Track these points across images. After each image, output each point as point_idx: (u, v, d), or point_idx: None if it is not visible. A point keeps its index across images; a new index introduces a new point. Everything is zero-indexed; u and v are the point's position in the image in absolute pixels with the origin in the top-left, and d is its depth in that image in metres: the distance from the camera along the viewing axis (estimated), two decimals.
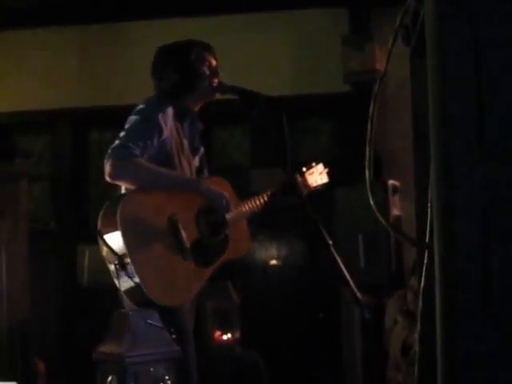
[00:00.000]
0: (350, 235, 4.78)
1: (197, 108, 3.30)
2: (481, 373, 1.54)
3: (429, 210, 1.88)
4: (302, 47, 5.96)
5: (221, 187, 3.22)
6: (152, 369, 2.71)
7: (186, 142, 3.24)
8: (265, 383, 4.84)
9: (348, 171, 4.76)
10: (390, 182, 4.85)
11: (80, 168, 6.28)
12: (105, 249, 2.91)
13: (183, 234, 3.01)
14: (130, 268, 2.86)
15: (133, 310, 2.84)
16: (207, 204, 3.14)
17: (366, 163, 1.94)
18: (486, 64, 1.55)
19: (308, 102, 5.94)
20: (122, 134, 3.04)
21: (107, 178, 3.01)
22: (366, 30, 5.61)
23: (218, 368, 4.67)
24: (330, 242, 2.87)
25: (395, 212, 4.81)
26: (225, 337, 4.92)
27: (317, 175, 3.48)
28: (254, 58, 5.88)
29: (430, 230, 1.89)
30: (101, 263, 3.01)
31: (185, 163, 3.19)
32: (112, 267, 2.91)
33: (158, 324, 2.77)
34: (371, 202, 2.00)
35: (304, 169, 3.46)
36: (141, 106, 3.13)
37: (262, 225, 3.80)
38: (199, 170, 3.35)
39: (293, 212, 3.34)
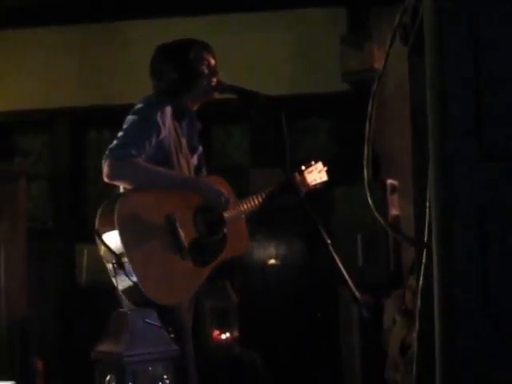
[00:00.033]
0: (348, 234, 4.78)
1: (195, 107, 3.30)
2: (479, 372, 1.54)
3: (427, 209, 1.88)
4: (300, 46, 5.97)
5: (219, 185, 3.22)
6: (150, 368, 2.71)
7: (184, 141, 3.24)
8: (263, 382, 4.84)
9: (347, 170, 4.76)
10: (389, 181, 4.85)
11: (78, 167, 6.28)
12: (102, 248, 2.91)
13: (181, 232, 3.01)
14: (128, 267, 2.86)
15: (131, 310, 2.84)
16: (205, 202, 3.14)
17: (365, 162, 1.93)
18: (486, 63, 1.55)
19: (307, 101, 5.94)
20: (120, 134, 3.04)
21: (105, 179, 3.00)
22: (364, 29, 5.61)
23: (216, 367, 4.67)
24: (329, 241, 2.87)
25: (394, 211, 4.82)
26: (223, 336, 4.92)
27: (316, 173, 3.48)
28: (252, 58, 5.88)
29: (428, 230, 1.89)
30: (99, 262, 3.01)
31: (183, 162, 3.19)
32: (110, 266, 2.90)
33: (156, 323, 2.76)
34: (370, 202, 2.00)
35: (303, 167, 3.46)
36: (139, 105, 3.12)
37: (261, 224, 3.80)
38: (198, 169, 3.35)
39: (291, 211, 3.35)
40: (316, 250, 5.57)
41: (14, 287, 5.01)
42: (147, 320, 2.75)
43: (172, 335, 2.82)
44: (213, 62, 3.25)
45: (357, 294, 2.78)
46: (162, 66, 3.24)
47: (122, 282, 2.90)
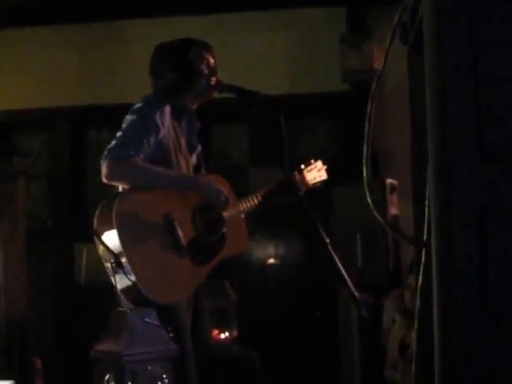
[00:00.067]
0: (347, 234, 4.77)
1: (194, 106, 3.30)
2: (479, 372, 1.54)
3: (426, 208, 1.88)
4: (300, 46, 5.96)
5: (218, 184, 3.21)
6: (150, 367, 2.71)
7: (183, 141, 3.23)
8: (262, 382, 4.84)
9: (346, 170, 4.75)
10: (388, 180, 4.85)
11: (78, 167, 6.27)
12: (101, 247, 2.91)
13: (179, 232, 3.01)
14: (126, 266, 2.86)
15: (130, 309, 2.84)
16: (204, 201, 3.14)
17: (364, 162, 1.94)
18: (485, 63, 1.55)
19: (306, 100, 5.93)
20: (119, 134, 3.04)
21: (104, 179, 3.00)
22: (364, 28, 5.61)
23: (215, 367, 4.67)
24: (328, 241, 2.88)
25: (393, 211, 4.81)
26: (222, 335, 4.92)
27: (315, 172, 3.48)
28: (252, 57, 5.87)
29: (427, 229, 1.89)
30: (98, 262, 3.01)
31: (182, 161, 3.19)
32: (108, 266, 2.90)
33: (155, 322, 2.76)
34: (369, 201, 2.00)
35: (302, 166, 3.46)
36: (138, 105, 3.12)
37: (260, 223, 3.80)
38: (197, 168, 3.35)
39: (291, 210, 3.34)
40: (315, 249, 5.57)
41: (13, 286, 5.01)
42: (146, 319, 2.75)
43: (171, 334, 2.82)
44: (212, 61, 3.25)
45: (356, 293, 2.78)
46: (162, 66, 3.23)
47: (121, 282, 2.90)
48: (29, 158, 6.24)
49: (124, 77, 5.92)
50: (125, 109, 3.16)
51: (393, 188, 4.89)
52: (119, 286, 2.91)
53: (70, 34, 6.11)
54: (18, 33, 6.08)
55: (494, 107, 1.55)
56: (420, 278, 1.98)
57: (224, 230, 3.18)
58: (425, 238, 1.92)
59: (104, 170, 2.98)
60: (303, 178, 3.44)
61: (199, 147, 3.36)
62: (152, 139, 3.04)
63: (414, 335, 2.11)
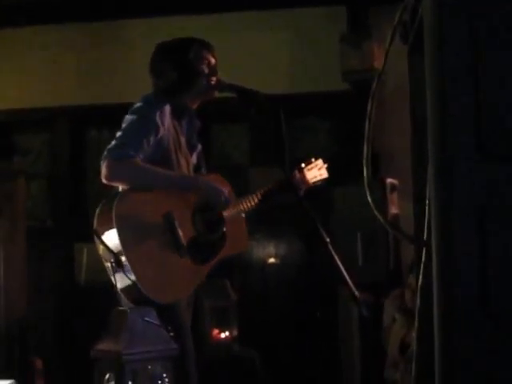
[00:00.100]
0: (348, 233, 4.77)
1: (195, 106, 3.30)
2: (479, 371, 1.54)
3: (427, 207, 1.88)
4: (300, 45, 5.96)
5: (218, 183, 3.21)
6: (150, 367, 2.71)
7: (183, 140, 3.23)
8: (262, 381, 4.84)
9: (346, 169, 4.75)
10: (388, 180, 4.84)
11: (78, 166, 6.27)
12: (101, 247, 2.91)
13: (179, 231, 3.01)
14: (126, 266, 2.86)
15: (130, 308, 2.84)
16: (204, 201, 3.14)
17: (364, 161, 1.94)
18: (485, 63, 1.55)
19: (306, 100, 5.93)
20: (119, 134, 3.04)
21: (103, 180, 3.00)
22: (364, 28, 5.61)
23: (215, 366, 4.67)
24: (328, 240, 2.87)
25: (393, 210, 4.81)
26: (222, 335, 4.92)
27: (316, 171, 3.48)
28: (252, 57, 5.87)
29: (428, 228, 1.89)
30: (98, 261, 3.01)
31: (182, 161, 3.19)
32: (108, 265, 2.90)
33: (155, 322, 2.76)
34: (369, 200, 2.00)
35: (303, 165, 3.46)
36: (138, 104, 3.12)
37: (260, 223, 3.80)
38: (197, 168, 3.35)
39: (291, 210, 3.34)
40: (315, 249, 5.57)
41: (14, 286, 5.01)
42: (146, 318, 2.75)
43: (171, 334, 2.82)
44: (213, 61, 3.24)
45: (356, 292, 2.78)
46: (162, 65, 3.23)
47: (121, 281, 2.90)
48: (29, 157, 6.24)
49: (124, 76, 5.92)
50: (125, 108, 3.15)
51: (393, 187, 4.89)
52: (119, 286, 2.91)
53: (70, 34, 6.11)
54: (18, 32, 6.08)
55: (494, 107, 1.55)
56: (420, 277, 1.98)
57: (224, 229, 3.18)
58: (425, 237, 1.92)
59: (104, 170, 2.98)
60: (304, 176, 3.43)
61: (199, 146, 3.36)
62: (152, 139, 3.04)
63: (414, 335, 2.11)
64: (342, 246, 4.39)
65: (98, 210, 3.00)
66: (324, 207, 4.43)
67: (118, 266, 2.85)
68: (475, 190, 1.54)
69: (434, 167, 1.60)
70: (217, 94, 3.29)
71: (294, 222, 5.41)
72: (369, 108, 1.94)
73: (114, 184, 3.06)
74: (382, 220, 1.99)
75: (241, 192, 3.35)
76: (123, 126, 3.07)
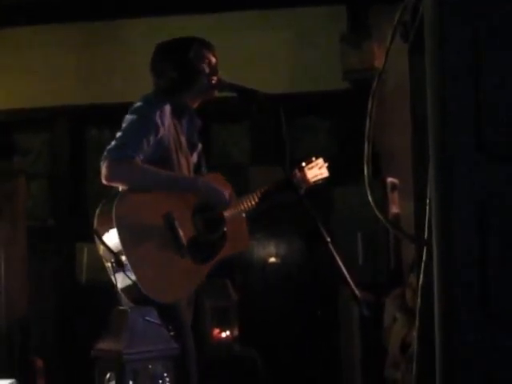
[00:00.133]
0: (348, 233, 4.77)
1: (195, 105, 3.30)
2: (479, 371, 1.54)
3: (427, 207, 1.88)
4: (300, 45, 5.96)
5: (218, 183, 3.21)
6: (150, 366, 2.71)
7: (183, 139, 3.23)
8: (263, 381, 4.84)
9: (346, 169, 4.76)
10: (389, 179, 4.84)
11: (78, 166, 6.27)
12: (101, 247, 2.91)
13: (180, 231, 3.01)
14: (127, 265, 2.86)
15: (131, 307, 2.83)
16: (204, 201, 3.13)
17: (365, 160, 1.93)
18: (486, 63, 1.55)
19: (307, 99, 5.93)
20: (119, 134, 3.04)
21: (103, 181, 3.00)
22: (364, 27, 5.61)
23: (216, 366, 4.66)
24: (329, 240, 2.87)
25: (394, 209, 4.81)
26: (223, 334, 4.92)
27: (317, 170, 3.47)
28: (252, 56, 5.87)
29: (428, 227, 1.89)
30: (99, 261, 3.01)
31: (183, 160, 3.19)
32: (109, 265, 2.90)
33: (156, 321, 2.76)
34: (370, 199, 1.99)
35: (303, 164, 3.45)
36: (138, 104, 3.12)
37: (261, 222, 3.80)
38: (197, 167, 3.34)
39: (291, 209, 3.34)
40: (316, 248, 5.57)
41: (14, 286, 5.01)
42: (147, 318, 2.75)
43: (172, 333, 2.82)
44: (213, 60, 3.24)
45: (357, 292, 2.77)
46: (163, 64, 3.23)
47: (121, 281, 2.90)
48: (29, 157, 6.24)
49: (124, 76, 5.92)
50: (125, 108, 3.15)
51: (394, 187, 4.89)
52: (120, 285, 2.91)
53: (70, 33, 6.11)
54: (18, 32, 6.08)
55: (494, 106, 1.55)
56: (421, 276, 1.98)
57: (224, 229, 3.18)
58: (426, 236, 1.92)
59: (104, 170, 2.98)
60: (304, 175, 3.43)
61: (200, 146, 3.36)
62: (152, 139, 3.03)
63: (415, 334, 2.10)
64: (343, 246, 4.39)
65: (98, 210, 3.00)
66: (324, 206, 4.43)
67: (119, 265, 2.85)
68: (475, 189, 1.54)
69: (434, 167, 1.60)
70: (217, 94, 3.28)
71: (295, 222, 5.41)
72: (369, 107, 1.94)
73: (114, 184, 3.06)
74: (382, 219, 1.98)
75: (241, 191, 3.35)
76: (123, 126, 3.07)
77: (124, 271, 2.86)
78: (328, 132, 6.17)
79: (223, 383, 4.67)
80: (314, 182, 3.46)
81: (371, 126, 1.95)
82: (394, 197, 4.84)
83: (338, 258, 2.83)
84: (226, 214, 3.18)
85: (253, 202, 3.27)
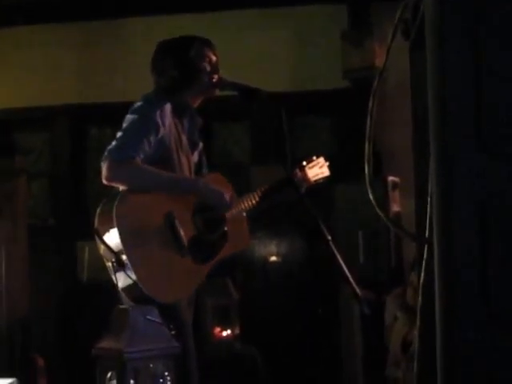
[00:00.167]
0: (349, 231, 4.77)
1: (196, 104, 3.29)
2: (480, 370, 1.54)
3: (428, 205, 1.88)
4: (301, 43, 5.96)
5: (219, 184, 3.21)
6: (151, 365, 2.70)
7: (184, 138, 3.22)
8: (263, 379, 4.84)
9: (347, 168, 4.75)
10: (390, 177, 4.84)
11: (79, 165, 6.27)
12: (102, 246, 2.90)
13: (180, 230, 3.00)
14: (127, 265, 2.85)
15: (132, 306, 2.83)
16: (204, 202, 3.13)
17: (366, 158, 1.93)
18: (486, 62, 1.55)
19: (307, 98, 5.93)
20: (119, 134, 3.03)
21: (104, 181, 2.99)
22: (365, 26, 5.60)
23: (217, 364, 4.67)
24: (330, 238, 2.87)
25: (395, 208, 4.81)
26: (224, 333, 4.92)
27: (317, 169, 3.47)
28: (253, 55, 5.87)
29: (429, 226, 1.89)
30: (100, 260, 3.01)
31: (183, 159, 3.18)
32: (109, 265, 2.90)
33: (157, 320, 2.76)
34: (371, 198, 1.99)
35: (304, 163, 3.45)
36: (138, 104, 3.11)
37: (261, 221, 3.79)
38: (198, 166, 3.34)
39: (292, 208, 3.34)
40: (317, 246, 5.57)
41: (15, 285, 5.01)
42: (148, 317, 2.75)
43: (173, 332, 2.82)
44: (214, 58, 3.24)
45: (358, 290, 2.77)
46: (163, 63, 3.23)
47: (122, 280, 2.90)
48: (30, 156, 6.24)
49: (125, 75, 5.93)
50: (126, 107, 3.15)
51: (395, 185, 4.89)
52: (120, 285, 2.91)
53: (71, 32, 6.11)
54: (18, 31, 6.08)
55: (494, 106, 1.55)
56: (422, 274, 1.98)
57: (225, 228, 3.18)
58: (427, 234, 1.92)
59: (104, 171, 2.98)
60: (305, 174, 3.42)
61: (201, 145, 3.35)
62: (152, 138, 3.03)
63: (416, 333, 2.10)
64: (344, 244, 4.39)
65: (98, 210, 2.99)
66: (325, 205, 4.43)
67: (119, 265, 2.85)
68: (476, 188, 1.54)
69: (434, 166, 1.60)
70: (218, 92, 3.28)
71: (296, 220, 5.41)
72: (370, 105, 1.94)
73: (114, 185, 3.05)
74: (383, 217, 1.98)
75: (242, 190, 3.35)
76: (124, 125, 3.06)
77: (124, 271, 2.85)
78: (329, 131, 6.17)
79: (224, 381, 4.68)
80: (315, 181, 3.46)
81: (372, 125, 1.95)
82: (395, 195, 4.84)
83: (338, 257, 2.83)
84: (227, 213, 3.18)
85: (253, 201, 3.26)
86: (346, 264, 2.81)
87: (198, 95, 3.26)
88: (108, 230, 2.90)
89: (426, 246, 1.96)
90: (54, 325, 5.93)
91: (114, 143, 3.00)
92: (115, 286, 2.93)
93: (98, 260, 3.06)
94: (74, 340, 5.79)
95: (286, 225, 5.79)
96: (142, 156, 2.99)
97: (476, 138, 1.54)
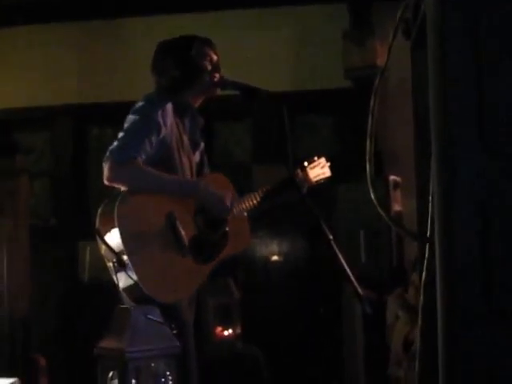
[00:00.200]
0: (351, 231, 4.77)
1: (198, 103, 3.29)
2: (482, 368, 1.54)
3: (430, 204, 1.88)
4: (302, 43, 5.96)
5: (220, 184, 3.20)
6: (153, 364, 2.70)
7: (186, 138, 3.22)
8: (265, 379, 4.84)
9: (349, 167, 4.76)
10: (391, 177, 4.85)
11: (80, 164, 6.27)
12: (103, 247, 2.90)
13: (182, 231, 3.00)
14: (128, 266, 2.85)
15: (134, 306, 2.83)
16: (205, 205, 3.12)
17: (367, 157, 1.93)
18: (488, 62, 1.55)
19: (309, 97, 5.93)
20: (121, 134, 3.03)
21: (105, 181, 2.99)
22: (366, 25, 5.60)
23: (219, 363, 4.67)
24: (331, 237, 2.87)
25: (396, 207, 4.81)
26: (226, 332, 4.92)
27: (319, 169, 3.47)
28: (255, 54, 5.87)
29: (431, 225, 1.89)
30: (102, 259, 3.01)
31: (185, 159, 3.18)
32: (110, 265, 2.90)
33: (158, 319, 2.76)
34: (372, 197, 1.99)
35: (306, 163, 3.45)
36: (140, 104, 3.11)
37: (263, 221, 3.79)
38: (200, 166, 3.33)
39: (293, 207, 3.34)
40: (318, 246, 5.57)
41: (17, 284, 5.02)
42: (150, 316, 2.75)
43: (175, 331, 2.82)
44: (215, 57, 3.24)
45: (359, 290, 2.77)
46: (164, 63, 3.22)
47: (123, 281, 2.89)
48: (31, 156, 6.25)
49: (125, 74, 5.93)
50: (127, 107, 3.15)
51: (396, 185, 4.89)
52: (121, 285, 2.90)
53: (71, 32, 6.12)
54: (18, 31, 6.08)
55: (495, 106, 1.55)
56: (424, 273, 1.98)
57: (226, 228, 3.17)
58: (428, 234, 1.92)
59: (106, 171, 2.97)
60: (306, 175, 3.42)
61: (202, 144, 3.35)
62: (154, 139, 3.02)
63: (417, 332, 2.10)
64: (345, 243, 4.40)
65: (99, 210, 2.99)
66: (327, 204, 4.43)
67: (120, 265, 2.85)
68: (477, 188, 1.54)
69: (436, 165, 1.60)
70: (219, 92, 3.28)
71: (297, 220, 5.41)
72: (371, 104, 1.94)
73: (116, 185, 3.05)
74: (385, 217, 1.98)
75: (243, 190, 3.34)
76: (125, 126, 3.06)
77: (125, 271, 2.85)
78: (330, 130, 6.17)
79: (226, 381, 4.68)
80: (317, 181, 3.46)
81: (373, 124, 1.95)
82: (397, 195, 4.85)
83: (340, 256, 2.82)
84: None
85: (255, 202, 3.26)
86: (347, 263, 2.81)
87: (200, 95, 3.26)
88: (109, 231, 2.90)
89: (427, 246, 1.96)
90: (56, 325, 5.94)
91: (115, 143, 3.00)
92: (116, 286, 2.93)
93: (100, 260, 3.06)
94: (76, 340, 5.80)
95: (288, 224, 5.79)
96: (143, 157, 2.99)
97: (477, 137, 1.54)
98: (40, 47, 6.11)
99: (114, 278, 2.92)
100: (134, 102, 3.15)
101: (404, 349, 4.32)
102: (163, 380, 2.71)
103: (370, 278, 4.49)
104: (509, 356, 1.53)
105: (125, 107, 3.16)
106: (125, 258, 2.85)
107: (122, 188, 3.03)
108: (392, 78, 5.00)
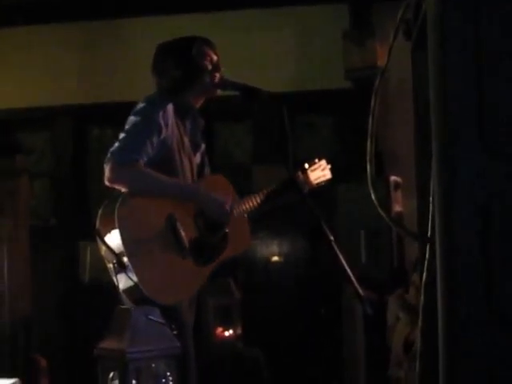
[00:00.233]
0: (351, 231, 4.77)
1: (198, 104, 3.29)
2: (482, 369, 1.54)
3: (431, 204, 1.88)
4: (303, 43, 5.96)
5: (220, 186, 3.20)
6: (153, 365, 2.70)
7: (186, 140, 3.22)
8: (265, 379, 4.84)
9: (349, 167, 4.76)
10: (392, 177, 4.84)
11: (80, 165, 6.28)
12: (103, 248, 2.90)
13: (182, 232, 3.00)
14: (128, 267, 2.85)
15: (134, 306, 2.83)
16: (204, 210, 3.12)
17: (368, 157, 1.93)
18: (488, 62, 1.55)
19: (309, 98, 5.93)
20: (122, 136, 3.02)
21: (106, 182, 2.99)
22: (367, 25, 5.60)
23: (219, 364, 4.67)
24: (332, 238, 2.87)
25: (397, 208, 4.81)
26: (226, 333, 4.92)
27: (319, 172, 3.46)
28: (255, 55, 5.87)
29: (431, 225, 1.88)
30: (102, 260, 3.01)
31: (185, 161, 3.18)
32: (111, 266, 2.89)
33: (159, 320, 2.76)
34: (373, 197, 1.99)
35: (306, 165, 3.44)
36: (141, 105, 3.11)
37: (263, 222, 3.79)
38: (201, 167, 3.33)
39: (294, 208, 3.34)
40: (319, 246, 5.57)
41: (17, 285, 5.02)
42: (150, 317, 2.74)
43: (175, 332, 2.82)
44: (215, 57, 3.23)
45: (360, 290, 2.77)
46: (165, 64, 3.22)
47: (123, 282, 2.89)
48: (32, 156, 6.24)
49: (126, 75, 5.93)
50: (127, 107, 3.15)
51: (397, 185, 4.89)
52: (121, 286, 2.90)
53: (72, 32, 6.12)
54: (18, 31, 6.08)
55: (495, 106, 1.55)
56: (424, 274, 1.98)
57: (226, 230, 3.17)
58: (429, 234, 1.92)
59: (107, 173, 2.97)
60: (307, 177, 3.42)
61: (203, 146, 3.35)
62: (155, 140, 3.02)
63: (418, 332, 2.10)
64: (346, 244, 4.39)
65: (100, 211, 2.99)
66: (327, 205, 4.42)
67: (120, 267, 2.85)
68: (477, 188, 1.55)
69: (437, 165, 1.60)
70: (219, 92, 3.27)
71: (298, 220, 5.41)
72: (372, 105, 1.94)
73: (116, 187, 3.04)
74: (385, 217, 1.98)
75: (244, 191, 3.34)
76: (126, 127, 3.05)
77: (126, 272, 2.85)
78: (330, 131, 6.16)
79: (226, 381, 4.68)
80: (317, 184, 3.45)
81: (374, 125, 1.95)
82: (397, 195, 4.84)
83: (341, 257, 2.82)
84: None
85: (255, 203, 3.26)
86: (348, 264, 2.81)
87: (200, 95, 3.26)
88: (109, 232, 2.90)
89: (427, 246, 1.96)
90: (56, 325, 5.94)
91: (116, 145, 2.99)
92: (116, 287, 2.92)
93: (100, 261, 3.06)
94: (76, 340, 5.80)
95: (288, 225, 5.79)
96: (145, 159, 2.99)
97: (477, 137, 1.54)
98: (40, 47, 6.11)
99: (114, 280, 2.91)
100: (134, 102, 3.15)
101: (404, 349, 4.32)
102: (164, 380, 2.71)
103: (371, 279, 4.49)
104: (509, 356, 1.53)
105: (125, 107, 3.16)
106: (125, 259, 2.85)
107: (123, 189, 3.03)
108: (392, 79, 5.01)
